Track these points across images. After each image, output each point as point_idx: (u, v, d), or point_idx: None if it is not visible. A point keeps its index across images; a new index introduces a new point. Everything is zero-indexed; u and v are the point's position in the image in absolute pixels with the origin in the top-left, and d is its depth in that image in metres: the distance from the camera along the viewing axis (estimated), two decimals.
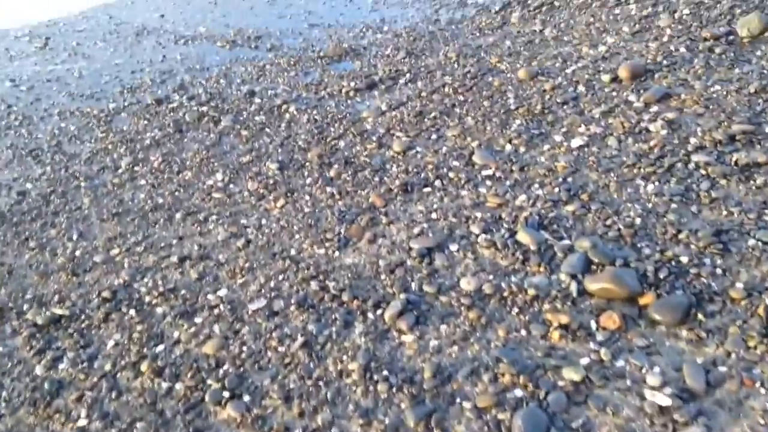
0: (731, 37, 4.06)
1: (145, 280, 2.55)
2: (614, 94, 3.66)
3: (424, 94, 4.08)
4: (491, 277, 2.29)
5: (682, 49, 4.02)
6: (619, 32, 4.52)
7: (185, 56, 5.09)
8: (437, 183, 3.04)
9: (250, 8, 6.20)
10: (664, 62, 3.90)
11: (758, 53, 3.75)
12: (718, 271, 2.14)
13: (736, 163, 2.73)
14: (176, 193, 3.22)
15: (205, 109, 4.13)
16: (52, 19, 6.25)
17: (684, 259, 2.20)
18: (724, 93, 3.38)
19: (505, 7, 5.51)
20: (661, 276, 2.13)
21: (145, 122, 4.02)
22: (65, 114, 4.21)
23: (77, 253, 2.82)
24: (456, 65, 4.47)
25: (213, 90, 4.43)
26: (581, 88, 3.77)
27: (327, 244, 2.66)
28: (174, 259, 2.65)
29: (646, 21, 4.62)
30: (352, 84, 4.32)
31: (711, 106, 3.28)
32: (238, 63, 4.91)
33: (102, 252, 2.79)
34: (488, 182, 2.98)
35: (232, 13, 6.08)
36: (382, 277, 2.40)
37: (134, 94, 4.43)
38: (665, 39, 4.25)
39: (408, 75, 4.39)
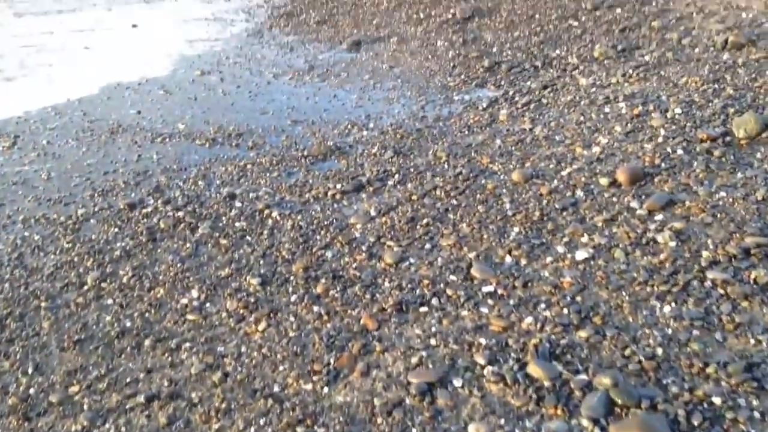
0: (728, 138, 4.08)
1: (107, 425, 2.30)
2: (615, 199, 3.60)
3: (414, 197, 4.00)
4: (503, 421, 2.09)
5: (680, 151, 4.02)
6: (612, 132, 4.55)
7: (162, 155, 5.01)
8: (434, 301, 2.89)
9: (231, 104, 6.21)
10: (663, 165, 3.89)
11: (759, 156, 3.76)
12: (756, 414, 1.98)
13: (755, 281, 2.62)
14: (146, 315, 3.01)
15: (181, 214, 3.99)
16: (23, 115, 6.18)
17: (717, 400, 2.04)
18: (731, 200, 3.33)
19: (493, 104, 5.57)
20: (695, 422, 1.96)
21: (116, 230, 3.85)
22: (30, 221, 4.03)
23: (31, 391, 2.56)
24: (446, 165, 4.42)
25: (191, 193, 4.30)
26: (579, 193, 3.72)
27: (315, 378, 2.46)
28: (140, 398, 2.42)
29: (638, 120, 4.66)
30: (338, 186, 4.23)
31: (719, 215, 3.22)
32: (218, 162, 4.83)
33: (59, 390, 2.54)
34: (490, 301, 2.83)
35: (212, 109, 6.08)
36: (378, 420, 2.19)
37: (105, 198, 4.29)
38: (660, 140, 4.26)
39: (397, 176, 4.33)
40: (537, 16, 8.23)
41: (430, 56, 7.16)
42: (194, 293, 3.15)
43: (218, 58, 7.88)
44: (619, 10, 7.92)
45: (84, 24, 10.36)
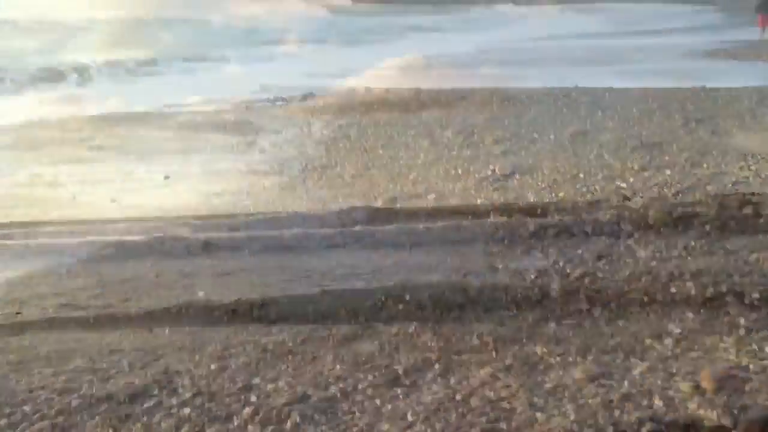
0: None
1: None
2: (701, 412, 3.13)
3: (458, 397, 3.57)
4: None
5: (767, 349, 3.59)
6: (683, 319, 4.15)
7: (176, 330, 4.71)
8: None
9: (257, 268, 6.01)
10: (752, 367, 3.45)
11: None
12: None
13: None
14: None
15: (187, 411, 3.61)
16: (34, 277, 6.06)
17: None
18: None
19: (542, 276, 5.24)
20: None
21: (111, 431, 3.46)
22: (16, 415, 3.66)
23: None
24: (494, 353, 4.03)
25: (202, 381, 3.95)
26: (657, 402, 3.26)
27: None
28: None
29: (711, 305, 4.27)
30: (369, 377, 3.84)
31: None
32: (236, 341, 4.50)
33: None
34: None
35: (236, 274, 5.87)
36: None
37: (105, 385, 3.93)
38: (742, 332, 3.84)
39: (437, 366, 3.93)
40: (581, 175, 8.15)
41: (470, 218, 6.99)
42: None
43: (247, 213, 7.84)
44: (668, 172, 7.80)
45: (116, 174, 10.63)
